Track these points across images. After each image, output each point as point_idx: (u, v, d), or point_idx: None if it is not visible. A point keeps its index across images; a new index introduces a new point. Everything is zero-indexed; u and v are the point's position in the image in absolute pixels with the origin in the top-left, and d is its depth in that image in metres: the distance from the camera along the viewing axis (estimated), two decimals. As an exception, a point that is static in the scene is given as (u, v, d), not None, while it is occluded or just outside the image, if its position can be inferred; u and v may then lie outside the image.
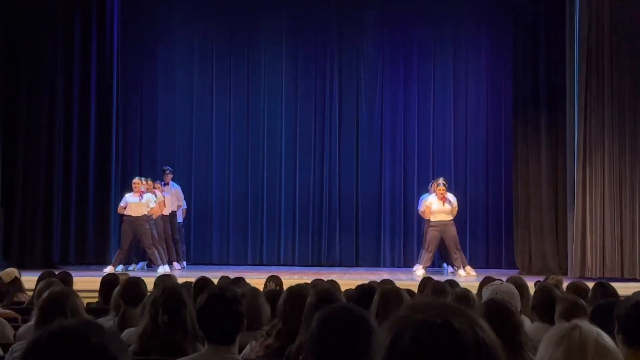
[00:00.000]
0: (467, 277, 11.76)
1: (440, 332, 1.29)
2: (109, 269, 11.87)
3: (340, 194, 14.70)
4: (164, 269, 12.07)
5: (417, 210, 13.21)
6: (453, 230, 12.43)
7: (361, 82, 14.82)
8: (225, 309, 3.33)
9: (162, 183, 13.23)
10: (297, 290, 3.88)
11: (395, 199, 14.63)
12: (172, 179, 13.55)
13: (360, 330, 2.01)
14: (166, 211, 12.96)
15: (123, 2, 14.50)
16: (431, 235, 12.42)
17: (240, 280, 6.83)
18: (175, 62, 15.03)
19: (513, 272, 12.28)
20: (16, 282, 7.13)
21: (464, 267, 12.26)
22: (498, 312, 3.40)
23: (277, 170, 14.84)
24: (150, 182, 12.76)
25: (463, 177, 14.54)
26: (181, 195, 13.66)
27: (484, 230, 14.41)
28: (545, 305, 4.74)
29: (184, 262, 13.57)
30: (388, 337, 1.31)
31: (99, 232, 13.64)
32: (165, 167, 13.55)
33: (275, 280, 6.89)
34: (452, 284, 6.53)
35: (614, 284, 7.56)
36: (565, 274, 11.79)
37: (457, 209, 12.60)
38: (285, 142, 14.87)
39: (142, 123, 14.90)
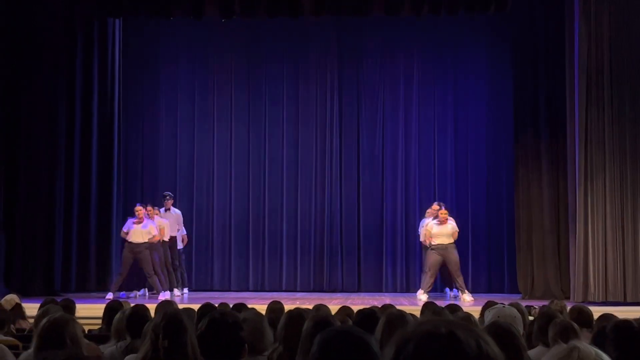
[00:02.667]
0: (471, 301, 11.74)
1: (444, 342, 1.30)
2: (109, 296, 11.96)
3: (342, 219, 14.69)
4: (164, 296, 12.04)
5: (418, 235, 13.20)
6: (455, 254, 12.43)
7: (362, 108, 14.86)
8: (226, 334, 3.31)
9: (163, 209, 13.26)
10: (297, 314, 3.87)
11: (396, 223, 14.62)
12: (173, 204, 13.56)
13: (361, 352, 2.00)
14: (166, 237, 12.96)
15: (124, 32, 14.59)
16: (433, 259, 12.41)
17: (243, 306, 6.81)
18: (177, 89, 15.10)
19: (515, 297, 12.25)
20: (17, 309, 7.10)
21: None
22: (501, 335, 3.39)
23: (278, 196, 14.85)
24: (150, 207, 12.81)
25: (464, 201, 14.54)
26: (181, 220, 13.64)
27: (486, 254, 14.39)
28: (547, 330, 4.72)
29: (186, 289, 13.52)
30: (392, 348, 1.32)
31: (101, 259, 13.62)
32: (166, 193, 13.58)
33: (274, 305, 6.87)
34: (454, 308, 6.50)
35: (617, 308, 7.54)
36: (567, 298, 11.75)
37: (457, 232, 12.61)
38: (286, 168, 14.89)
39: (143, 150, 14.95)
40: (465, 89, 14.76)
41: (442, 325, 1.33)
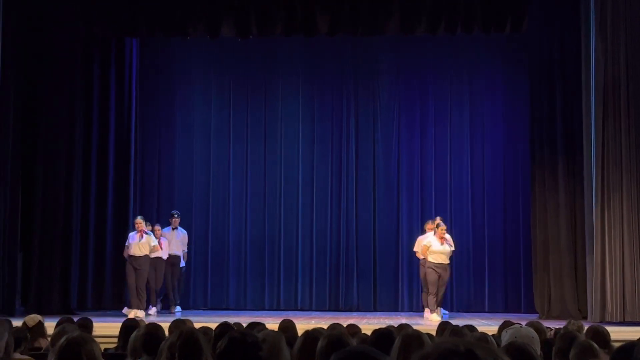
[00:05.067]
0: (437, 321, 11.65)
1: (462, 359, 1.31)
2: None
3: (358, 239, 14.67)
4: (134, 313, 11.97)
5: (415, 252, 13.28)
6: (448, 274, 12.62)
7: (377, 127, 14.87)
8: (245, 354, 3.30)
9: (169, 228, 13.46)
10: (313, 335, 3.85)
11: (412, 242, 14.52)
12: (180, 224, 13.69)
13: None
14: (164, 255, 13.12)
15: (141, 49, 14.71)
16: (432, 277, 12.52)
17: (257, 325, 6.80)
18: (193, 107, 15.16)
19: (532, 317, 12.16)
20: (39, 327, 7.12)
21: (432, 310, 12.31)
22: (518, 355, 3.36)
23: (294, 215, 14.84)
24: (157, 227, 13.13)
25: (481, 220, 14.49)
26: (186, 241, 13.82)
27: (503, 274, 14.32)
28: (567, 351, 4.68)
29: (179, 307, 13.55)
30: None
31: (117, 277, 13.65)
32: (174, 212, 13.73)
33: (286, 324, 6.86)
34: (471, 328, 6.47)
35: (635, 328, 7.47)
36: (585, 317, 11.66)
37: (452, 251, 12.66)
38: (302, 186, 14.90)
39: (160, 168, 15.01)
40: (481, 107, 14.75)
41: (461, 344, 1.35)
